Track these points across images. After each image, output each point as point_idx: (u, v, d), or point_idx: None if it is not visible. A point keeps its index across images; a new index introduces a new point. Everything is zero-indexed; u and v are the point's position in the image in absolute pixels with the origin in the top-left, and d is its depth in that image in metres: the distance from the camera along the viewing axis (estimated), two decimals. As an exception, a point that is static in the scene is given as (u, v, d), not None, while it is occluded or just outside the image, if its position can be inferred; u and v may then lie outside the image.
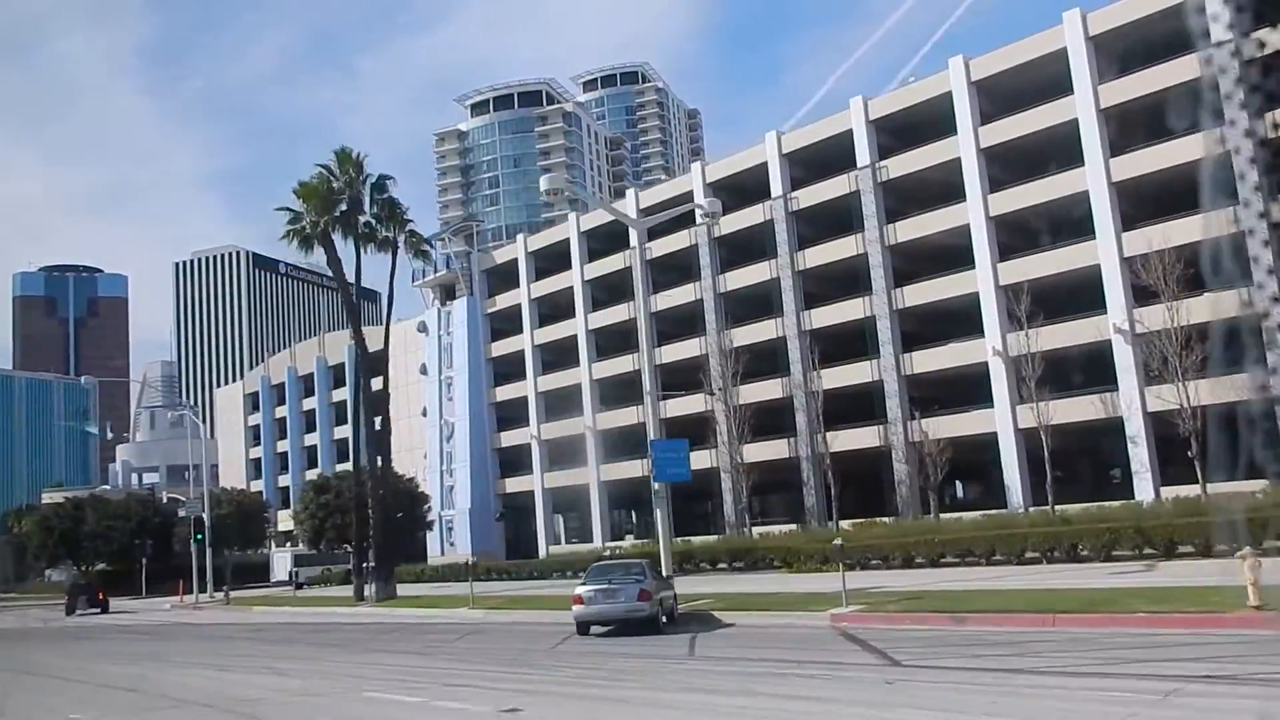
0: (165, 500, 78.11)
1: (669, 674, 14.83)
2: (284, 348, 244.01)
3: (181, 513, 67.71)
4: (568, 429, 67.12)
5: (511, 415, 72.42)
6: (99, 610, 55.04)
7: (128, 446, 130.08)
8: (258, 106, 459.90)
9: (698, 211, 27.34)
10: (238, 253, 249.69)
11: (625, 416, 63.84)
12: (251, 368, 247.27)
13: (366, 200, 40.32)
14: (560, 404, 68.41)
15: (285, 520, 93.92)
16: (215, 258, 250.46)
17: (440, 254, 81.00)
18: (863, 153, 51.32)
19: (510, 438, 71.93)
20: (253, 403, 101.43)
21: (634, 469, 63.52)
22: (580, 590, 20.35)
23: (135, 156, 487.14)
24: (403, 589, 51.86)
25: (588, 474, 65.51)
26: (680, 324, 61.04)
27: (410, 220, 41.15)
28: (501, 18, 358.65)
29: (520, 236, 71.26)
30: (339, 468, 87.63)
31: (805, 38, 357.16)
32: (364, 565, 42.40)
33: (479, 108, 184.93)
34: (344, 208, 39.19)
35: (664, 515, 26.85)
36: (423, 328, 78.17)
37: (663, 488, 26.74)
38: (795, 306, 54.33)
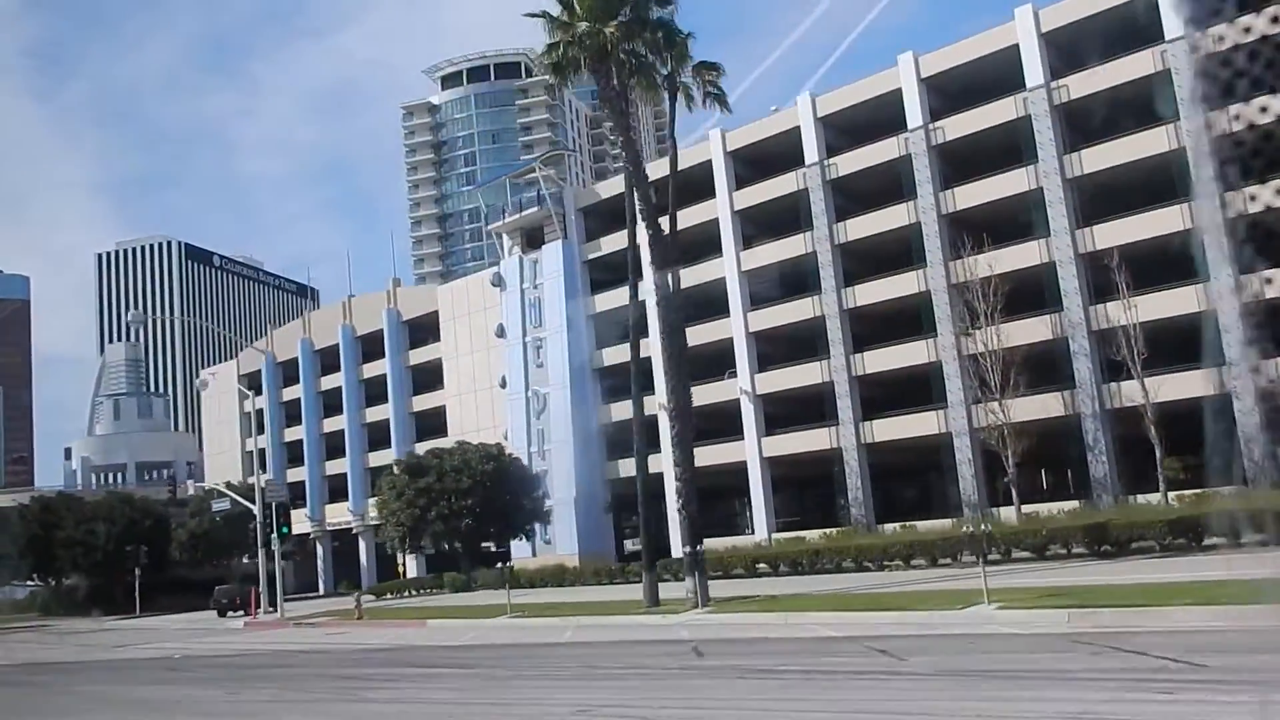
0: (179, 496, 62.68)
1: None
2: (221, 344, 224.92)
3: (220, 505, 52.96)
4: (712, 395, 54.32)
5: (623, 384, 59.31)
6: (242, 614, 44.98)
7: (87, 441, 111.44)
8: (150, 111, 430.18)
9: None
10: (168, 243, 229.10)
11: (800, 375, 51.41)
12: (185, 363, 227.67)
13: (640, 18, 27.23)
14: (697, 366, 55.61)
15: (301, 521, 78.79)
16: (143, 249, 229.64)
17: (512, 192, 67.68)
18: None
19: (625, 410, 58.69)
20: (249, 385, 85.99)
21: (815, 439, 51.12)
22: None
23: (24, 160, 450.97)
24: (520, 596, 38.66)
25: (744, 449, 52.82)
26: (869, 261, 49.08)
27: (692, 58, 28.15)
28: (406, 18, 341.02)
29: (636, 163, 58.21)
30: (380, 453, 73.63)
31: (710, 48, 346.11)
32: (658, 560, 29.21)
33: (451, 80, 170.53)
34: (623, 18, 26.03)
35: None
36: (498, 281, 64.51)
37: None
38: (1069, 224, 42.62)
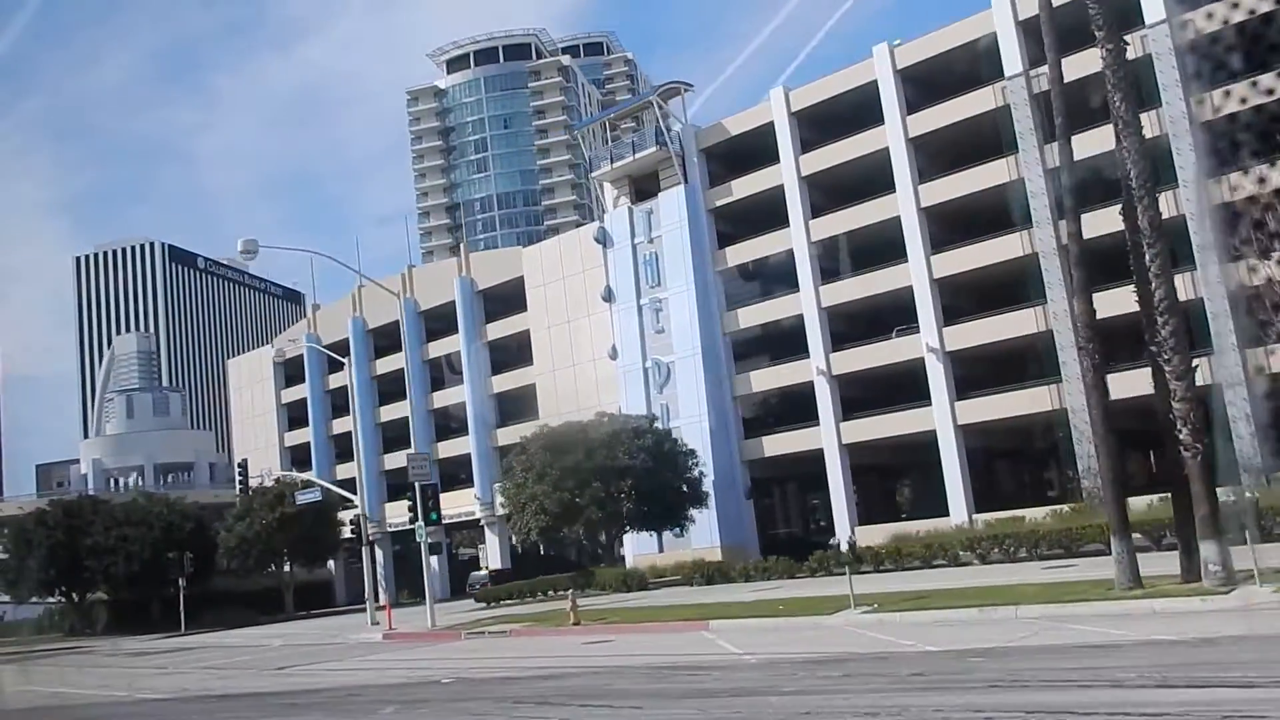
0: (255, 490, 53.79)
1: None
2: (206, 349, 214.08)
3: (306, 498, 44.31)
4: (884, 355, 46.54)
5: (763, 349, 51.38)
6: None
7: (97, 442, 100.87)
8: (107, 126, 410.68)
9: None
10: (150, 244, 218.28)
11: (1001, 327, 43.55)
12: (171, 368, 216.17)
13: None
14: (857, 325, 47.92)
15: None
16: (124, 251, 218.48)
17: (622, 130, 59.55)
18: None
19: (766, 378, 50.71)
20: (284, 374, 77.33)
21: (1020, 401, 43.28)
22: None
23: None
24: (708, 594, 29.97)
25: (933, 416, 44.87)
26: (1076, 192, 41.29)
27: None
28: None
29: (776, 92, 50.30)
30: (450, 443, 65.40)
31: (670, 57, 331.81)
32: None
33: (457, 63, 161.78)
34: None
35: None
36: (602, 237, 56.32)
37: None
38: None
